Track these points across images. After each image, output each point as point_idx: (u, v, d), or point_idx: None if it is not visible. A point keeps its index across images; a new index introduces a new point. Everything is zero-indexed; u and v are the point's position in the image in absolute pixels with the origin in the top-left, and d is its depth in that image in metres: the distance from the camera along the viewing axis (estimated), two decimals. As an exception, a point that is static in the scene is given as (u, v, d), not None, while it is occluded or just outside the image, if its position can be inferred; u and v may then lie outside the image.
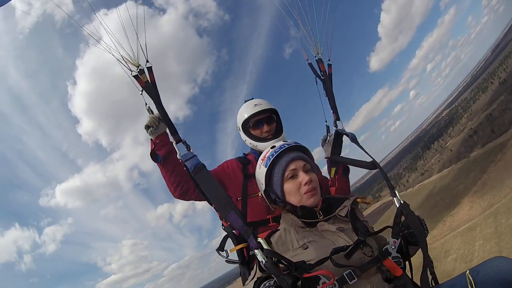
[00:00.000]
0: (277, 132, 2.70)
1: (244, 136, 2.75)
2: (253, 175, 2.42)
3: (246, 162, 2.68)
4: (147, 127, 2.34)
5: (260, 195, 2.23)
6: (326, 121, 2.79)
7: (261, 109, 2.67)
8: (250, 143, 2.70)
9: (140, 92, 2.32)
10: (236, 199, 2.48)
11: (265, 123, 2.67)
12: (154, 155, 2.41)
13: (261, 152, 2.44)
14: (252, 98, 2.84)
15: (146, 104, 2.37)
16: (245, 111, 2.73)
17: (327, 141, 2.75)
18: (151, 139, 2.39)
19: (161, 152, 2.37)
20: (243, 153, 2.84)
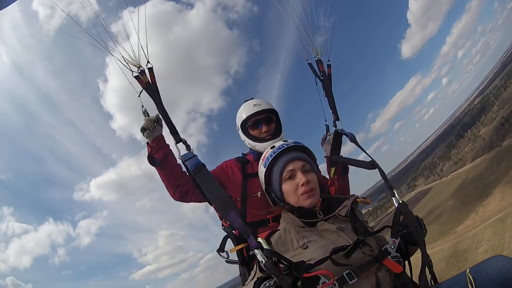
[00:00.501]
0: (276, 133, 2.67)
1: (243, 136, 2.73)
2: (252, 175, 2.43)
3: (245, 162, 2.66)
4: (143, 129, 2.36)
5: (258, 195, 2.24)
6: (325, 121, 2.76)
7: (259, 109, 2.65)
8: (249, 143, 2.68)
9: (138, 95, 2.35)
10: (236, 199, 2.46)
11: (264, 123, 2.64)
12: (151, 159, 2.42)
13: (260, 152, 2.45)
14: (252, 98, 2.82)
15: (142, 106, 2.40)
16: (243, 111, 2.72)
17: (326, 141, 2.71)
18: (147, 143, 2.41)
19: (158, 156, 2.39)
20: (242, 153, 2.83)
